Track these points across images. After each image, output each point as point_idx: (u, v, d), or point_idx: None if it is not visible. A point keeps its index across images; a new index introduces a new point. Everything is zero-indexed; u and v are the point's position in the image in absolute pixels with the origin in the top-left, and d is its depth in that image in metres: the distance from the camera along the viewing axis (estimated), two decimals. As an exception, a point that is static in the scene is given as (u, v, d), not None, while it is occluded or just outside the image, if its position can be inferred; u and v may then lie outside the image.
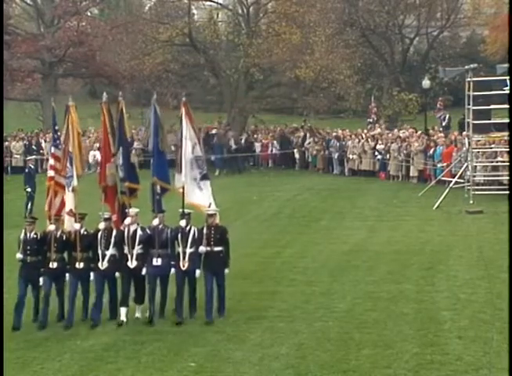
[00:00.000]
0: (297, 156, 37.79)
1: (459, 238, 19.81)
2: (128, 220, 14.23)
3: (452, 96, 43.42)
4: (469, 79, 24.91)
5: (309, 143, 37.15)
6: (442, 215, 23.16)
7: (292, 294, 15.23)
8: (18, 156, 38.09)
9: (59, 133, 15.62)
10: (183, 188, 14.59)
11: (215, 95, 45.08)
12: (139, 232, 14.06)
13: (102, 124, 14.94)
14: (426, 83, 39.01)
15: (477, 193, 24.63)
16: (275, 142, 38.87)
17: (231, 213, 25.13)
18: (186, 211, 14.27)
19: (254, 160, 40.01)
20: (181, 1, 43.01)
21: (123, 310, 13.93)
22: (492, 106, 24.63)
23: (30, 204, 25.71)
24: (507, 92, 23.56)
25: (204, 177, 15.14)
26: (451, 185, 24.97)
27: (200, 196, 14.89)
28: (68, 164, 14.54)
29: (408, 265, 17.14)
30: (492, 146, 26.29)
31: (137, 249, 14.00)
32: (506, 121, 23.46)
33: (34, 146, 38.58)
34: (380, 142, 33.09)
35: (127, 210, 14.57)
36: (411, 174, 31.02)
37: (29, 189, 26.01)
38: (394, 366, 11.23)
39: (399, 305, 14.15)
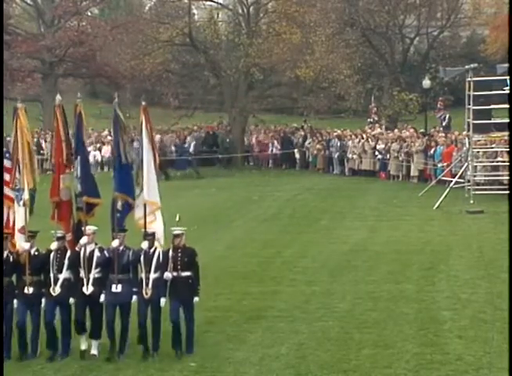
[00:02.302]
0: (297, 156, 37.84)
1: (460, 238, 19.81)
2: (84, 240, 12.45)
3: (452, 96, 43.42)
4: (469, 79, 24.92)
5: (309, 143, 37.19)
6: (443, 215, 23.16)
7: (292, 294, 15.22)
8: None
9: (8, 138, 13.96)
10: (144, 205, 12.89)
11: (215, 95, 45.11)
12: (97, 253, 12.37)
13: (55, 130, 13.08)
14: (426, 83, 39.04)
15: (477, 192, 24.63)
16: (275, 142, 38.95)
17: (231, 213, 25.18)
18: (150, 231, 12.60)
19: (253, 160, 40.16)
20: (181, 1, 43.04)
21: (82, 338, 12.35)
22: (493, 106, 24.64)
23: (30, 204, 25.66)
24: (507, 91, 23.55)
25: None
26: (451, 185, 24.97)
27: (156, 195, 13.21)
28: (17, 175, 12.83)
29: (408, 265, 17.13)
30: (493, 145, 26.29)
31: (94, 273, 12.31)
32: (507, 120, 23.46)
33: (34, 146, 38.52)
34: (380, 141, 33.10)
35: (83, 228, 12.73)
36: (411, 174, 31.05)
37: (29, 189, 26.00)
38: (395, 366, 11.22)
39: (399, 304, 14.14)
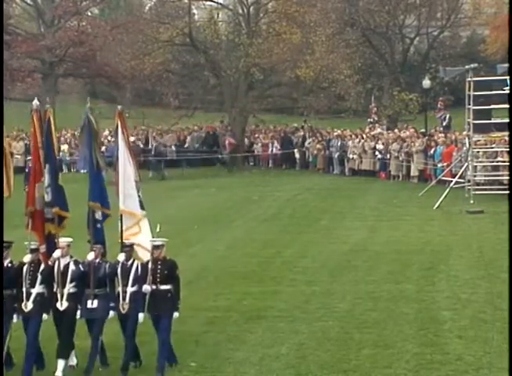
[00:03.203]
0: (297, 156, 37.85)
1: (460, 238, 19.81)
2: (57, 253, 11.66)
3: (452, 96, 43.40)
4: (469, 79, 24.92)
5: (309, 143, 37.19)
6: (443, 215, 23.16)
7: (292, 294, 15.21)
8: (18, 156, 38.10)
9: None
10: (121, 215, 12.24)
11: (216, 95, 45.14)
12: (72, 267, 11.65)
13: (32, 136, 12.26)
14: (426, 83, 39.02)
15: (477, 192, 24.63)
16: (275, 141, 38.97)
17: (231, 213, 25.18)
18: (128, 242, 11.95)
19: (254, 159, 40.18)
20: (181, 1, 43.08)
21: (59, 363, 11.45)
22: (493, 106, 24.63)
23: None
24: (507, 91, 23.54)
25: (141, 205, 12.61)
26: (451, 185, 24.97)
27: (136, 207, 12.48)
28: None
29: (408, 265, 17.13)
30: (493, 145, 26.29)
31: (69, 288, 11.59)
32: (507, 120, 23.45)
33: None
34: (380, 141, 33.10)
35: (56, 240, 11.91)
36: (411, 174, 31.05)
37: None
38: (395, 366, 11.22)
39: (399, 304, 14.14)
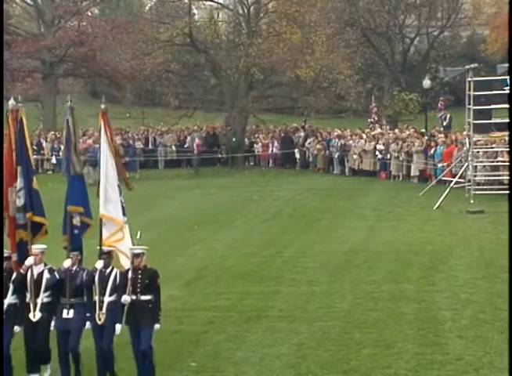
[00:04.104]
0: (297, 156, 37.85)
1: (460, 238, 19.81)
2: (30, 260, 11.04)
3: (452, 96, 43.45)
4: (469, 79, 24.92)
5: (310, 143, 37.19)
6: (443, 215, 23.15)
7: (292, 293, 15.21)
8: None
9: None
10: (100, 220, 11.67)
11: (216, 95, 45.14)
12: (46, 275, 11.06)
13: (7, 137, 11.60)
14: (426, 83, 39.03)
15: (477, 192, 24.64)
16: (275, 141, 38.97)
17: (231, 213, 25.17)
18: (106, 249, 11.34)
19: (254, 159, 40.18)
20: (181, 1, 43.12)
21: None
22: (493, 106, 24.62)
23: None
24: (507, 91, 23.55)
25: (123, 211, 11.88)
26: (451, 185, 24.96)
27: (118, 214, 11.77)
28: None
29: (408, 265, 17.13)
30: (493, 145, 26.29)
31: (42, 297, 11.02)
32: (507, 120, 23.45)
33: (34, 146, 38.59)
34: (380, 142, 33.10)
35: (28, 247, 11.34)
36: (412, 174, 31.05)
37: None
38: (395, 366, 11.22)
39: (400, 304, 14.14)
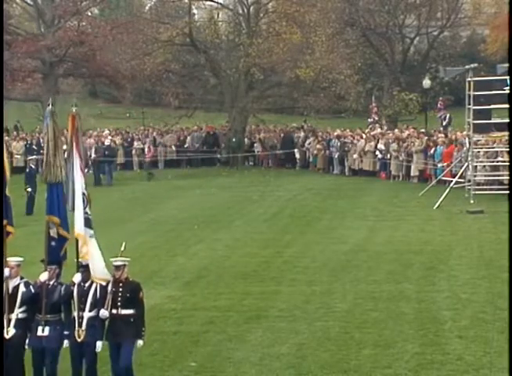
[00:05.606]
0: (297, 156, 37.86)
1: (460, 238, 19.81)
2: (5, 272, 10.42)
3: (452, 96, 43.46)
4: (469, 79, 24.92)
5: (310, 143, 37.20)
6: (443, 215, 23.16)
7: (292, 293, 15.21)
8: (19, 156, 38.12)
9: None
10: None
11: (216, 95, 45.16)
12: (22, 289, 10.47)
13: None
14: (426, 83, 39.06)
15: (477, 192, 24.64)
16: (275, 141, 38.98)
17: (231, 213, 25.18)
18: (84, 261, 10.62)
19: (254, 159, 40.19)
20: (181, 0, 43.12)
21: None
22: (493, 106, 24.63)
23: (31, 205, 25.80)
24: (507, 91, 23.55)
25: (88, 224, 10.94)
26: (451, 185, 24.97)
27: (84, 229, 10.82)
28: None
29: (408, 264, 17.13)
30: (493, 145, 26.29)
31: (17, 313, 10.41)
32: (507, 120, 23.44)
33: (34, 146, 38.62)
34: (380, 141, 33.11)
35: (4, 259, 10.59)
36: (411, 174, 31.05)
37: (29, 189, 26.09)
38: (395, 366, 11.23)
39: (400, 304, 14.15)
